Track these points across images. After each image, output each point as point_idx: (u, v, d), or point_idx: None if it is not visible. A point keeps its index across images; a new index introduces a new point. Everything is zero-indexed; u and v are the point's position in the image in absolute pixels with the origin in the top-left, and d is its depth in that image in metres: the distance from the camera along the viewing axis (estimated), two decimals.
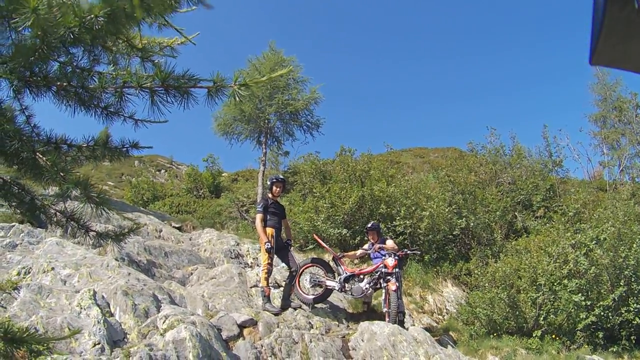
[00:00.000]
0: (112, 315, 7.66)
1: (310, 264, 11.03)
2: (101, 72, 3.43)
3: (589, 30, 1.43)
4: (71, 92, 3.40)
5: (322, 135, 27.00)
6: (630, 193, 19.39)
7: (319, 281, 10.64)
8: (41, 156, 3.43)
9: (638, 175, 24.61)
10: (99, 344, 6.67)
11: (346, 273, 10.65)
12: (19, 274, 8.86)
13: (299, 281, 10.51)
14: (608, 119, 29.37)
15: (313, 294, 10.53)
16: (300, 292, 10.46)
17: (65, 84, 3.34)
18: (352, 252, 11.95)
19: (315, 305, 10.37)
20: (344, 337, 9.09)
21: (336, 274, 10.90)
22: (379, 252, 10.80)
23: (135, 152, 4.22)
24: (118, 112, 3.76)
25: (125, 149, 4.07)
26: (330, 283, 10.53)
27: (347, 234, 15.59)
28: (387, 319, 9.64)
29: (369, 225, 11.40)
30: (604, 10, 1.31)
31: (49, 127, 3.84)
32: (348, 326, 10.01)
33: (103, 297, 7.96)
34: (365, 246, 11.60)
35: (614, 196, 18.81)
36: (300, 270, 10.65)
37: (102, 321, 7.05)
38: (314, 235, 13.23)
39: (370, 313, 11.01)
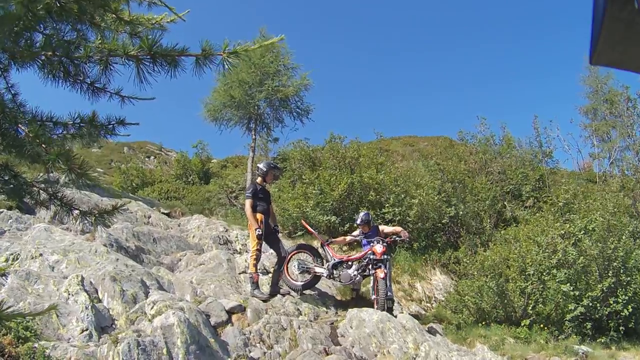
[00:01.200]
0: (100, 301, 7.65)
1: (299, 250, 10.98)
2: (87, 40, 3.39)
3: (589, 30, 1.40)
4: (55, 62, 3.36)
5: (312, 122, 26.92)
6: (619, 185, 19.45)
7: (307, 268, 10.55)
8: (23, 128, 3.39)
9: (628, 168, 24.57)
10: (86, 330, 6.67)
11: (334, 259, 10.60)
12: (6, 260, 8.81)
13: (287, 267, 10.49)
14: (599, 112, 29.51)
15: (301, 281, 10.48)
16: (289, 278, 10.42)
17: (49, 53, 3.29)
18: (341, 238, 11.97)
19: (304, 291, 10.37)
20: (332, 323, 9.09)
21: (324, 261, 10.87)
22: (367, 238, 10.78)
23: (121, 131, 4.17)
24: (104, 88, 3.72)
25: (111, 125, 4.03)
26: (318, 269, 10.48)
27: (336, 221, 15.56)
28: (375, 306, 9.57)
29: (359, 221, 11.22)
30: (604, 10, 1.29)
31: (34, 106, 3.80)
32: (337, 313, 10.01)
33: (91, 283, 7.95)
34: (355, 232, 11.58)
35: (604, 188, 18.95)
36: (289, 257, 10.62)
37: (90, 307, 7.04)
38: (303, 221, 13.20)
39: (359, 300, 10.99)
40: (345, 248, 14.28)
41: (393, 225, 12.25)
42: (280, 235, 11.04)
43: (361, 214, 11.41)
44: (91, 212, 4.35)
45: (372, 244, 10.40)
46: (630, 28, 1.29)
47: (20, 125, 3.42)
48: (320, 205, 15.90)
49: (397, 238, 11.00)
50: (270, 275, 10.47)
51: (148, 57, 3.21)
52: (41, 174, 4.17)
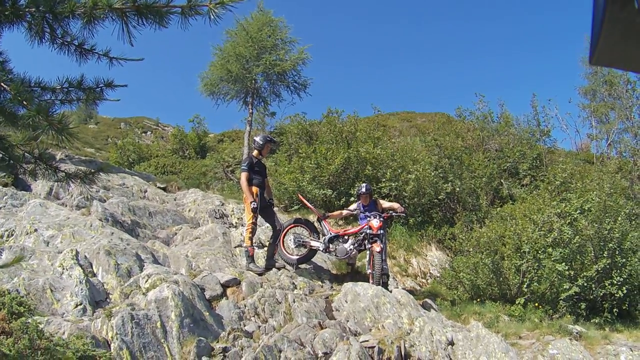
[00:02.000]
0: (94, 275, 7.67)
1: (295, 224, 10.97)
2: None
3: (589, 30, 1.38)
4: (38, 17, 3.30)
5: (309, 96, 26.95)
6: (617, 167, 19.35)
7: (303, 241, 10.54)
8: (5, 86, 3.34)
9: (625, 150, 24.50)
10: (80, 304, 6.69)
11: (331, 234, 10.56)
12: (1, 236, 8.84)
13: (283, 241, 10.48)
14: (598, 93, 29.29)
15: (297, 255, 10.47)
16: (284, 252, 10.41)
17: (33, 9, 3.24)
18: (338, 212, 11.86)
19: (299, 265, 10.36)
20: (327, 297, 9.08)
21: (320, 235, 10.84)
22: (364, 213, 10.76)
23: (110, 94, 4.12)
24: (92, 49, 3.67)
25: (99, 88, 3.98)
26: (314, 243, 10.46)
27: (332, 195, 15.54)
28: (370, 281, 9.59)
29: (364, 190, 11.06)
30: (604, 10, 1.28)
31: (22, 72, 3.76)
32: (332, 287, 10.01)
33: (86, 257, 7.96)
34: (351, 207, 11.52)
35: (601, 169, 18.76)
36: (285, 231, 10.63)
37: (84, 281, 7.06)
38: (299, 195, 13.19)
39: (354, 274, 11.00)
40: (341, 222, 14.26)
41: (389, 201, 12.21)
42: (276, 209, 11.01)
43: (364, 185, 11.32)
44: (76, 174, 4.31)
45: (368, 219, 10.36)
46: (630, 28, 1.28)
47: (2, 84, 3.37)
48: (317, 180, 15.87)
49: (393, 213, 10.94)
50: (266, 248, 10.46)
51: (133, 10, 3.15)
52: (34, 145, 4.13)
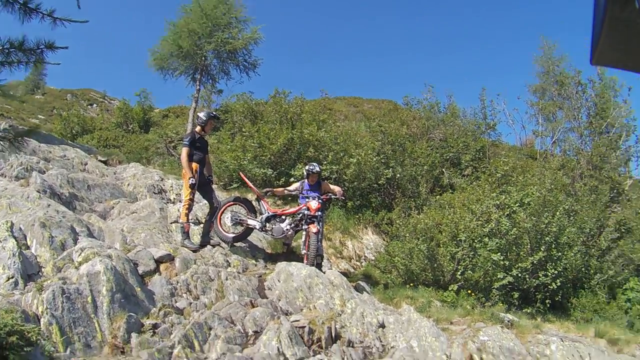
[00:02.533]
0: (28, 247, 7.62)
1: (234, 202, 10.99)
2: None
3: (590, 31, 1.45)
4: None
5: (258, 76, 26.79)
6: (560, 164, 19.94)
7: (240, 220, 10.55)
8: None
9: (570, 148, 25.23)
10: (12, 277, 6.65)
11: (268, 213, 10.63)
12: None
13: (220, 219, 10.54)
14: (548, 92, 29.63)
15: (233, 232, 10.52)
16: (221, 229, 10.46)
17: None
18: (281, 189, 11.85)
19: (235, 244, 10.44)
20: (260, 276, 9.16)
21: (258, 214, 10.87)
22: (305, 193, 10.83)
23: (50, 56, 4.15)
24: (37, 8, 3.71)
25: (40, 49, 4.02)
26: (251, 222, 10.50)
27: (273, 175, 15.64)
28: (305, 261, 9.74)
29: (317, 168, 11.02)
30: (605, 10, 1.34)
31: None
32: (266, 266, 10.12)
33: (21, 229, 7.90)
34: (293, 186, 11.50)
35: (544, 165, 19.30)
36: (223, 208, 10.68)
37: (17, 254, 7.01)
38: (240, 173, 13.10)
39: (289, 254, 11.10)
40: (279, 202, 14.37)
41: (331, 184, 12.29)
42: (214, 186, 11.04)
43: (316, 164, 11.33)
44: (6, 136, 4.34)
45: (307, 200, 10.49)
46: (631, 28, 1.35)
47: None
48: (258, 159, 15.95)
49: (332, 196, 11.07)
50: (202, 225, 10.54)
51: None
52: None
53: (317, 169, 10.97)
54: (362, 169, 15.73)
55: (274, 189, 11.81)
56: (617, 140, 23.85)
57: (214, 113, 10.50)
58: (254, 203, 11.22)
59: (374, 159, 16.07)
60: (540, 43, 30.19)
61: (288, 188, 11.59)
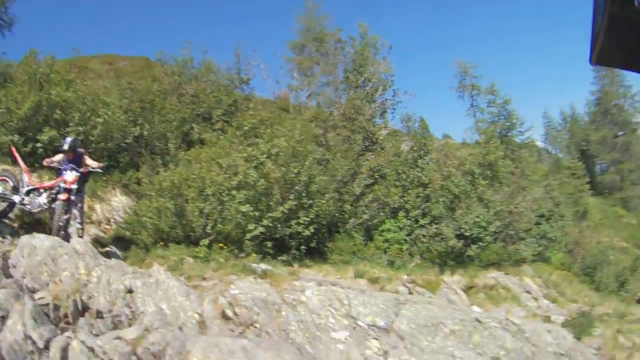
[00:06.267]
0: None
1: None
2: None
3: (589, 30, 1.47)
4: None
5: (13, 35, 25.24)
6: (313, 116, 20.99)
7: (2, 195, 10.12)
8: None
9: (324, 102, 26.12)
10: None
11: (28, 186, 10.20)
12: None
13: None
14: (306, 48, 30.67)
15: None
16: None
17: None
18: (49, 159, 11.06)
19: None
20: (4, 254, 8.56)
21: (21, 188, 10.28)
22: (65, 166, 10.39)
23: None
24: None
25: None
26: (15, 197, 10.05)
27: (19, 141, 14.44)
28: (52, 233, 9.35)
29: (65, 147, 10.53)
30: (604, 9, 1.37)
31: None
32: (13, 242, 9.42)
33: None
34: (56, 157, 10.93)
35: (295, 117, 20.27)
36: None
37: None
38: (12, 147, 12.07)
39: (37, 226, 10.53)
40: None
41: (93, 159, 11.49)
42: None
43: (68, 139, 10.85)
44: None
45: (64, 173, 10.16)
46: (630, 27, 1.37)
47: None
48: (6, 125, 14.82)
49: (90, 169, 10.74)
50: None
51: None
52: None
53: (65, 147, 10.55)
54: (109, 128, 15.42)
55: (46, 160, 11.13)
56: (374, 93, 25.15)
57: None
58: (18, 177, 10.65)
59: (122, 118, 15.84)
60: (305, 2, 31.18)
61: (53, 159, 10.99)
